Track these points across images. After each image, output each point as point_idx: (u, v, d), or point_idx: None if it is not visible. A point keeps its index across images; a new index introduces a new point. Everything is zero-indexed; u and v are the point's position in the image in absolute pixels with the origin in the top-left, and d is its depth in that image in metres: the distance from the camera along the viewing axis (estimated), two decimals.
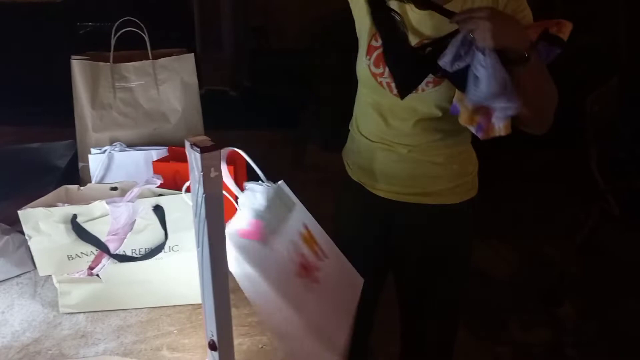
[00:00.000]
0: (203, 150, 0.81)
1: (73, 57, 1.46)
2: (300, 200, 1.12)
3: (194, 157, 0.83)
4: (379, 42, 1.29)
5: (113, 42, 1.49)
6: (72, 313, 1.19)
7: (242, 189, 1.35)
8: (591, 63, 3.65)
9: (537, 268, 2.95)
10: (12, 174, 1.53)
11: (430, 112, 1.30)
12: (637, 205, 2.47)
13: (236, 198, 1.08)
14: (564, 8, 3.86)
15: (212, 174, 0.83)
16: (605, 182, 2.42)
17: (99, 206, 1.13)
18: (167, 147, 1.41)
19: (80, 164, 1.51)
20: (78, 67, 1.45)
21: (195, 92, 1.54)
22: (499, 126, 1.15)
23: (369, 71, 1.34)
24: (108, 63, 1.49)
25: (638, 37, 3.62)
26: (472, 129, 1.18)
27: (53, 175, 1.55)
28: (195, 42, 6.06)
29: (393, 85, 1.31)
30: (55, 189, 1.25)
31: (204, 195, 0.83)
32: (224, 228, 0.88)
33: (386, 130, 1.38)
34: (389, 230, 1.50)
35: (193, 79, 1.53)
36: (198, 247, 0.89)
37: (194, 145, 0.83)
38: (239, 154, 1.38)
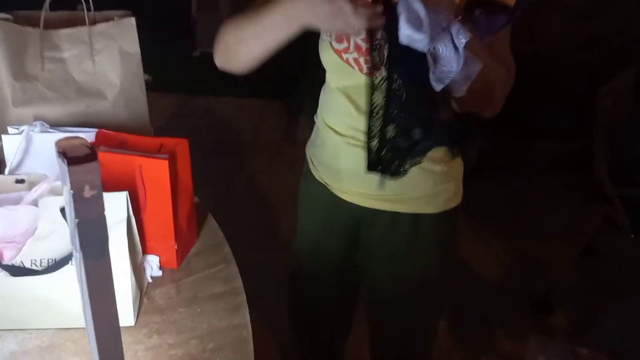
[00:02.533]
0: (73, 161, 0.59)
1: None
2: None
3: (62, 168, 0.61)
4: None
5: (46, 3, 1.25)
6: None
7: (188, 190, 1.13)
8: (607, 51, 3.39)
9: (531, 270, 2.75)
10: None
11: None
12: None
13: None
14: None
15: (87, 194, 0.61)
16: (614, 185, 2.19)
17: None
18: (96, 131, 1.18)
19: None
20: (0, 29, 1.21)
21: (138, 64, 1.30)
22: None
23: (331, 49, 1.11)
24: (37, 28, 1.25)
25: None
26: None
27: None
28: (191, 1, 5.79)
29: (362, 61, 1.08)
30: None
31: (76, 221, 0.62)
32: (108, 263, 0.66)
33: (357, 119, 1.14)
34: (356, 241, 1.29)
35: (134, 49, 1.29)
36: (78, 282, 0.68)
37: (61, 153, 0.60)
38: (183, 142, 1.17)
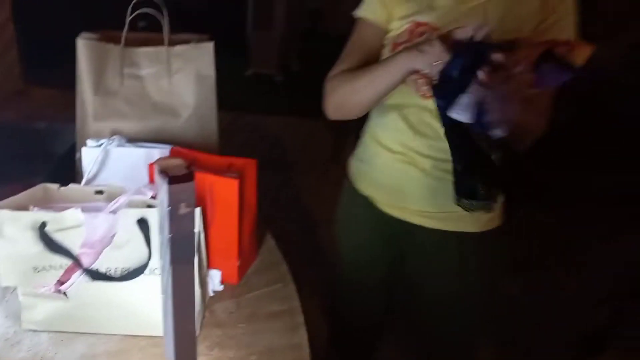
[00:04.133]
0: (173, 180, 0.63)
1: (80, 36, 1.30)
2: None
3: (161, 187, 0.65)
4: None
5: (127, 21, 1.32)
6: (35, 331, 1.04)
7: (252, 209, 1.17)
8: None
9: (586, 304, 2.67)
10: (4, 154, 1.40)
11: None
12: None
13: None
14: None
15: (182, 211, 0.65)
16: None
17: (72, 214, 0.97)
18: (170, 148, 1.24)
19: (78, 155, 1.35)
20: (84, 48, 1.28)
21: (212, 86, 1.36)
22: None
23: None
24: (118, 45, 1.32)
25: None
26: None
27: (50, 162, 1.41)
28: (247, 19, 5.93)
29: (420, 82, 1.14)
30: (46, 179, 1.11)
31: (169, 236, 0.66)
32: (192, 277, 0.70)
33: (412, 138, 1.20)
34: (400, 256, 1.34)
35: (210, 72, 1.35)
36: (162, 293, 0.72)
37: (162, 172, 0.65)
38: (251, 163, 1.21)
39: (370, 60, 1.19)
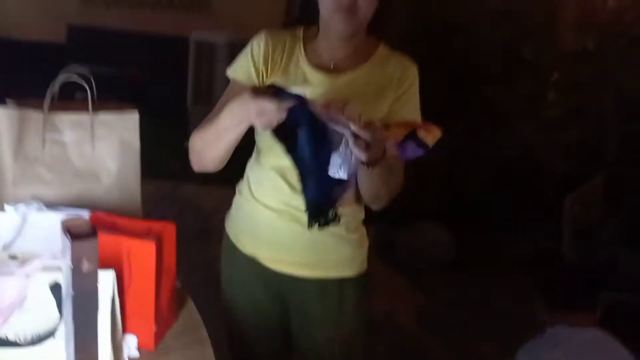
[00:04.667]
0: (76, 237, 0.66)
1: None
2: None
3: (64, 244, 0.67)
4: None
5: (51, 89, 1.35)
6: None
7: (171, 273, 1.19)
8: (579, 159, 3.58)
9: None
10: None
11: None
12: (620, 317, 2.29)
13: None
14: (556, 99, 3.82)
15: (85, 268, 0.67)
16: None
17: None
18: (89, 212, 1.25)
19: None
20: (3, 115, 1.30)
21: (136, 154, 1.40)
22: None
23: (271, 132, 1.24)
24: (40, 111, 1.34)
25: (627, 134, 3.56)
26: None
27: None
28: (187, 94, 6.02)
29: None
30: None
31: (72, 293, 0.67)
32: (96, 335, 0.71)
33: (291, 197, 1.30)
34: (286, 309, 1.42)
35: (134, 140, 1.39)
36: (65, 352, 0.73)
37: (66, 230, 0.67)
38: (170, 227, 1.23)
39: None
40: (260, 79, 1.30)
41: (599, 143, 3.54)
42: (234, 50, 5.69)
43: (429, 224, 3.60)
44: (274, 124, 1.15)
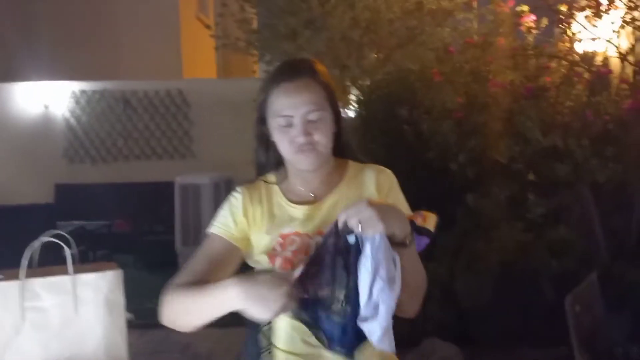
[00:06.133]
0: None
1: None
2: None
3: None
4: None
5: (27, 256, 1.34)
6: None
7: None
8: (571, 256, 3.56)
9: None
10: None
11: None
12: None
13: None
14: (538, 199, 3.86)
15: None
16: None
17: None
18: None
19: None
20: None
21: (121, 311, 1.37)
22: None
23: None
24: (17, 281, 1.32)
25: (613, 232, 3.58)
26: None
27: None
28: (175, 236, 6.05)
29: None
30: None
31: None
32: None
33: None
34: None
35: (119, 299, 1.37)
36: None
37: None
38: None
39: (215, 270, 1.25)
40: (239, 232, 1.31)
41: (586, 239, 3.55)
42: (217, 189, 5.85)
43: (437, 342, 3.49)
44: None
